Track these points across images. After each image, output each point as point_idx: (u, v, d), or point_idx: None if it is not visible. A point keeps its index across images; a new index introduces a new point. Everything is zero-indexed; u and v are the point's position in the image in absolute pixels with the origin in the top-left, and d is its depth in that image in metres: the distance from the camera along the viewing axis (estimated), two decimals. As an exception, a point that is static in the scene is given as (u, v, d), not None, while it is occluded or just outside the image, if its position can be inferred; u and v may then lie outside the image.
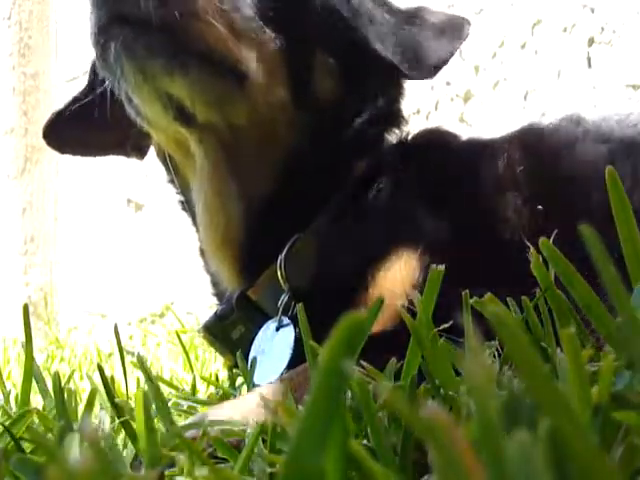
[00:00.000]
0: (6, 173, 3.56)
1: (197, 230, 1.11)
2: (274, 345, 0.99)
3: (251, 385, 0.94)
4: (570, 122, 1.04)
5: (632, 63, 1.82)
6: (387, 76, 1.09)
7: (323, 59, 1.04)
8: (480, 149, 1.07)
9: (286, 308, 1.00)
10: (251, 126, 1.00)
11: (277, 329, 1.00)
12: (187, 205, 1.12)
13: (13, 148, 3.55)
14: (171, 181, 1.14)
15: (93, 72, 1.18)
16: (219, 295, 1.14)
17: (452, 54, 1.05)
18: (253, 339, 1.03)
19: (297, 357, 0.94)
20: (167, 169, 1.12)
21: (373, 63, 1.06)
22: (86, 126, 1.19)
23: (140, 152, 1.26)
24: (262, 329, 1.01)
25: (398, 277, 0.93)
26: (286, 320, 1.00)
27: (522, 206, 0.96)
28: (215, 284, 1.15)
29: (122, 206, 3.16)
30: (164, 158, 1.11)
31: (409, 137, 1.13)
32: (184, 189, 1.10)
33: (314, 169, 1.02)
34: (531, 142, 1.04)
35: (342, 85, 1.05)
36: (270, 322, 1.01)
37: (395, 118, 1.13)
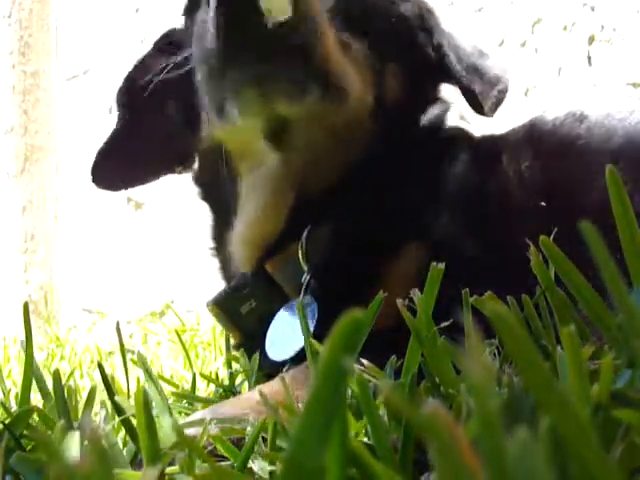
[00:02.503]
0: (6, 171, 3.56)
1: (222, 223, 1.11)
2: (288, 329, 0.99)
3: (252, 379, 0.95)
4: (574, 119, 1.04)
5: (632, 61, 1.82)
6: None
7: (394, 66, 1.06)
8: (492, 148, 1.08)
9: (306, 288, 1.00)
10: (339, 139, 1.01)
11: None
12: (215, 193, 1.13)
13: (13, 147, 3.55)
14: (206, 168, 1.13)
15: (122, 105, 1.19)
16: (229, 279, 1.13)
17: (503, 99, 1.07)
18: (262, 315, 1.03)
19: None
20: (211, 159, 1.09)
21: (440, 77, 1.10)
22: (130, 157, 1.19)
23: (187, 166, 1.24)
24: (282, 308, 1.01)
25: (406, 272, 0.93)
26: (308, 299, 0.99)
27: (531, 204, 0.97)
28: (225, 268, 1.15)
29: (122, 204, 3.16)
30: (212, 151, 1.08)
31: (438, 136, 1.14)
32: (230, 179, 1.08)
33: (378, 168, 1.03)
34: (531, 138, 1.04)
35: (407, 93, 1.07)
36: (291, 302, 1.01)
37: (441, 126, 1.15)
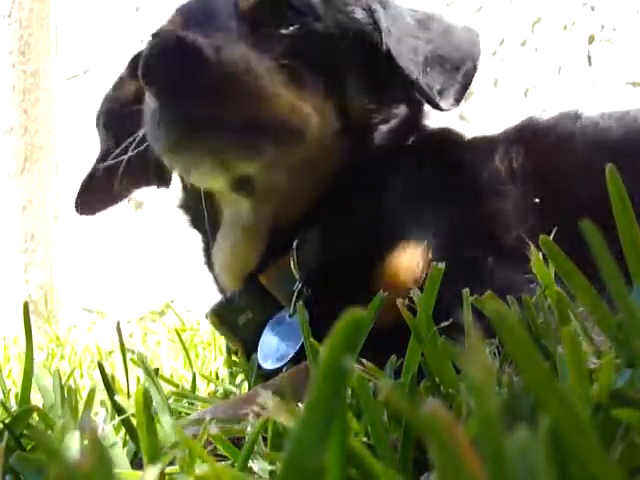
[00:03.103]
0: (6, 171, 3.56)
1: (210, 247, 1.14)
2: (289, 329, 0.99)
3: (252, 378, 0.95)
4: (568, 118, 1.04)
5: (632, 61, 1.82)
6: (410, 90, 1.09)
7: (355, 81, 1.05)
8: (484, 147, 1.07)
9: (298, 295, 1.00)
10: (303, 173, 1.01)
11: (290, 316, 1.01)
12: (198, 223, 1.15)
13: (13, 146, 3.55)
14: (193, 201, 1.15)
15: (102, 126, 1.25)
16: (223, 290, 1.15)
17: (467, 87, 1.06)
18: (259, 325, 1.03)
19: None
20: (192, 194, 1.12)
21: (400, 77, 1.07)
22: (110, 184, 1.20)
23: (166, 182, 1.26)
24: (275, 317, 1.02)
25: (403, 272, 0.93)
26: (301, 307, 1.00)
27: (525, 202, 0.96)
28: (217, 282, 1.17)
29: (122, 204, 3.15)
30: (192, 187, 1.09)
31: (417, 137, 1.13)
32: (209, 212, 1.09)
33: (348, 183, 1.03)
34: (532, 138, 1.04)
35: (371, 100, 1.06)
36: (282, 311, 1.02)
37: (416, 125, 1.14)
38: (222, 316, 1.10)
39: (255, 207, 1.04)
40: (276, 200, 1.03)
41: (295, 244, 1.01)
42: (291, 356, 0.97)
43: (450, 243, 0.95)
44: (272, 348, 1.00)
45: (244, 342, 1.09)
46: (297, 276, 1.01)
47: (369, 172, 1.04)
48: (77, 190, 1.27)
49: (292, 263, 1.01)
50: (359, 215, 1.02)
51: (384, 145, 1.07)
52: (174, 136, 0.89)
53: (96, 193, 1.27)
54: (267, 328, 1.03)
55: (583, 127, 1.01)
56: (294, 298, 1.00)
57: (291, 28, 0.98)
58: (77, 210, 1.28)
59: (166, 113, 0.87)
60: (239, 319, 1.08)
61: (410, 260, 0.94)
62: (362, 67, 1.06)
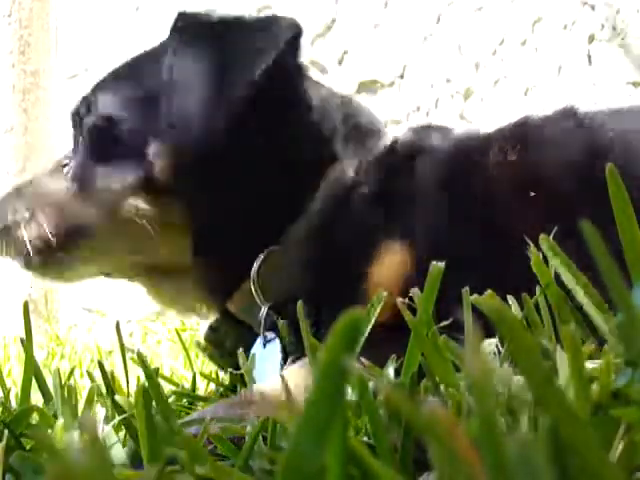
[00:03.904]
0: (6, 170, 3.56)
1: None
2: (265, 361, 0.99)
3: (251, 382, 0.95)
4: (564, 114, 1.03)
5: (632, 60, 1.81)
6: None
7: (153, 147, 1.04)
8: (470, 143, 1.05)
9: (268, 321, 1.01)
10: (134, 248, 1.08)
11: (264, 345, 1.01)
12: None
13: (13, 146, 3.55)
14: None
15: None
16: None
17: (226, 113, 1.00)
18: (244, 349, 1.04)
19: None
20: None
21: None
22: None
23: None
24: (254, 346, 1.02)
25: (389, 272, 0.93)
26: (270, 335, 1.01)
27: (512, 199, 0.95)
28: None
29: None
30: None
31: (392, 141, 1.11)
32: None
33: (241, 225, 1.04)
34: (524, 133, 1.03)
35: (182, 155, 1.04)
36: (258, 339, 1.02)
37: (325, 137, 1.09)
38: (212, 342, 1.12)
39: (142, 283, 1.15)
40: (156, 270, 1.10)
41: (255, 269, 1.01)
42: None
43: (435, 239, 0.94)
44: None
45: (233, 365, 1.09)
46: (259, 302, 1.01)
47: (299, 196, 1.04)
48: None
49: (253, 289, 1.01)
50: (327, 228, 1.01)
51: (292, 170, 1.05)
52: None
53: None
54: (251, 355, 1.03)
55: (579, 122, 1.00)
56: (262, 326, 1.01)
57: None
58: None
59: None
60: (226, 344, 1.10)
61: (395, 263, 0.93)
62: (153, 132, 1.05)
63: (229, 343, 1.09)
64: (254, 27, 1.07)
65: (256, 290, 1.01)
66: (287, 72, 1.05)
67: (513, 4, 2.04)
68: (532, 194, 0.93)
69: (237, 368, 1.05)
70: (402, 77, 2.29)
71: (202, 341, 1.13)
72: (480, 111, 2.09)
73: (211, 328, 1.11)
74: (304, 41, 1.11)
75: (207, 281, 1.07)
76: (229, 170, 1.03)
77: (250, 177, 1.03)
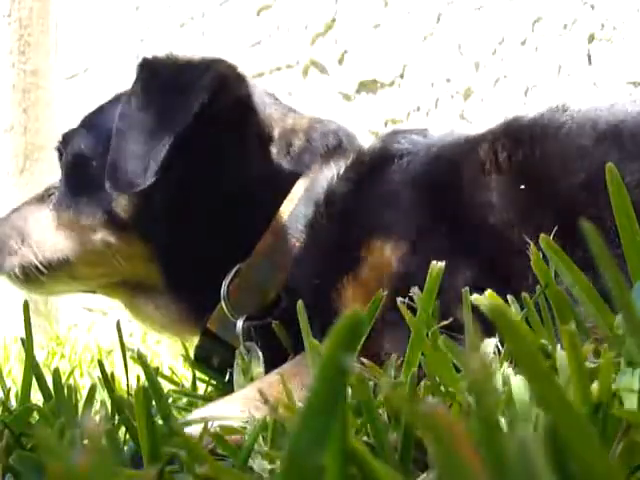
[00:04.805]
0: (6, 170, 3.56)
1: None
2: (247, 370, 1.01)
3: (249, 377, 0.96)
4: (556, 110, 1.02)
5: (632, 60, 1.81)
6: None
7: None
8: (471, 143, 1.05)
9: (246, 333, 1.04)
10: (107, 272, 1.17)
11: (247, 353, 1.03)
12: None
13: (13, 145, 3.55)
14: None
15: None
16: None
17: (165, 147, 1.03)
18: (231, 364, 1.05)
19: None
20: None
21: None
22: None
23: None
24: (235, 358, 1.04)
25: (375, 271, 0.93)
26: (250, 344, 1.04)
27: (501, 192, 0.95)
28: None
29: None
30: None
31: (364, 149, 1.13)
32: None
33: (191, 242, 1.09)
34: (513, 129, 1.02)
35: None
36: (238, 350, 1.04)
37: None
38: (201, 357, 1.14)
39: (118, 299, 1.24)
40: (133, 290, 1.17)
41: (224, 287, 1.05)
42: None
43: (419, 238, 0.94)
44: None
45: (223, 380, 1.12)
46: (232, 318, 1.04)
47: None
48: None
49: (224, 306, 1.05)
50: (302, 237, 1.04)
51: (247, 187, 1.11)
52: None
53: None
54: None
55: (570, 119, 0.99)
56: (241, 338, 1.03)
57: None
58: None
59: None
60: (213, 361, 1.13)
61: (379, 259, 0.94)
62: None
63: (215, 360, 1.12)
64: (191, 71, 1.12)
65: (227, 306, 1.05)
66: (226, 108, 1.10)
67: (513, 3, 2.04)
68: (522, 188, 0.93)
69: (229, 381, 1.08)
70: (402, 77, 2.29)
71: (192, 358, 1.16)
72: (480, 111, 2.09)
73: (197, 347, 1.14)
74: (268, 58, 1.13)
75: (182, 302, 1.12)
76: (179, 205, 1.10)
77: (203, 207, 1.10)
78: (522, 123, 1.01)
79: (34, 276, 1.20)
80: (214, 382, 1.13)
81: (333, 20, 2.44)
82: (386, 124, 2.30)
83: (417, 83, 2.25)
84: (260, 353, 1.01)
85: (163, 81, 1.11)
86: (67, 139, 1.22)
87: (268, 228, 1.06)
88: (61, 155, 1.23)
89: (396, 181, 1.02)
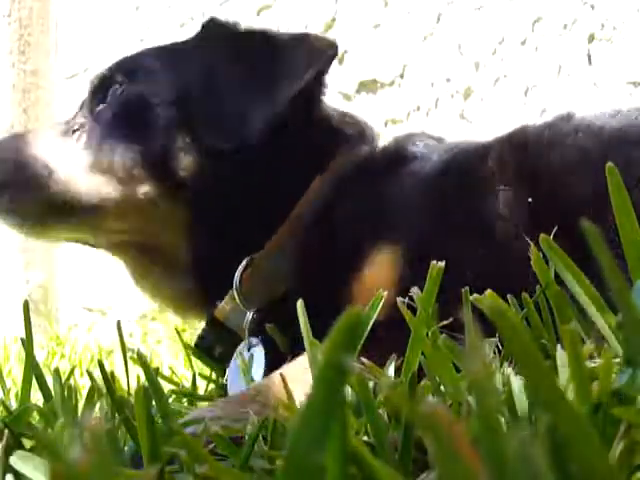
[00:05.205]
0: (6, 170, 3.56)
1: None
2: (250, 363, 1.00)
3: (249, 377, 0.95)
4: (562, 119, 1.03)
5: (632, 60, 1.81)
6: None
7: (180, 142, 1.05)
8: (479, 151, 1.05)
9: (252, 327, 1.02)
10: (136, 229, 1.08)
11: (248, 349, 1.02)
12: None
13: (13, 145, 3.55)
14: None
15: None
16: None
17: (281, 107, 1.01)
18: (230, 357, 1.05)
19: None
20: None
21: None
22: None
23: None
24: (236, 351, 1.03)
25: (382, 271, 0.92)
26: (255, 340, 1.02)
27: (505, 201, 0.95)
28: None
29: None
30: None
31: (379, 148, 1.12)
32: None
33: (223, 225, 1.06)
34: (519, 138, 1.02)
35: (204, 156, 1.05)
36: (241, 345, 1.03)
37: (322, 142, 1.11)
38: (203, 348, 1.13)
39: (121, 258, 1.15)
40: (147, 256, 1.10)
41: (237, 277, 1.02)
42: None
43: (426, 240, 0.94)
44: (237, 384, 1.00)
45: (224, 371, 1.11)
46: (243, 307, 1.02)
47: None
48: None
49: (236, 296, 1.02)
50: (311, 233, 1.02)
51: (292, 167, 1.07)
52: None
53: None
54: (232, 362, 1.04)
55: (576, 127, 0.99)
56: (246, 332, 1.02)
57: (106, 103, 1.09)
58: None
59: None
60: (215, 351, 1.11)
61: (387, 260, 0.93)
62: (185, 128, 1.05)
63: (218, 351, 1.11)
64: (292, 44, 1.09)
65: (239, 296, 1.02)
66: (317, 87, 1.09)
67: (513, 3, 2.04)
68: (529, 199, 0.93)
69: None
70: (402, 77, 2.29)
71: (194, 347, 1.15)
72: (480, 111, 2.09)
73: (199, 337, 1.13)
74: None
75: (198, 280, 1.08)
76: (241, 176, 1.04)
77: (257, 183, 1.05)
78: (529, 131, 1.01)
79: (47, 216, 1.07)
80: (214, 375, 1.12)
81: (333, 20, 2.44)
82: (386, 124, 2.29)
83: (417, 83, 2.25)
84: (262, 352, 1.00)
85: (258, 44, 1.08)
86: (126, 73, 1.10)
87: (287, 219, 1.03)
88: (102, 89, 1.11)
89: (407, 184, 1.02)
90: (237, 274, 1.02)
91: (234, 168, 1.04)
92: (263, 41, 1.09)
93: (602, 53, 1.88)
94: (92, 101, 1.11)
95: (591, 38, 1.90)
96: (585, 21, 1.91)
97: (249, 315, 1.02)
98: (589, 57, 1.91)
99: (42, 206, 1.06)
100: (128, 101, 1.07)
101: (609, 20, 1.87)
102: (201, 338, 1.12)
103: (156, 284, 1.13)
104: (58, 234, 1.13)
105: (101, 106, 1.09)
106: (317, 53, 1.06)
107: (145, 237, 1.08)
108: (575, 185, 0.92)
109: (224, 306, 1.05)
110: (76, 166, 1.07)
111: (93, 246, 1.15)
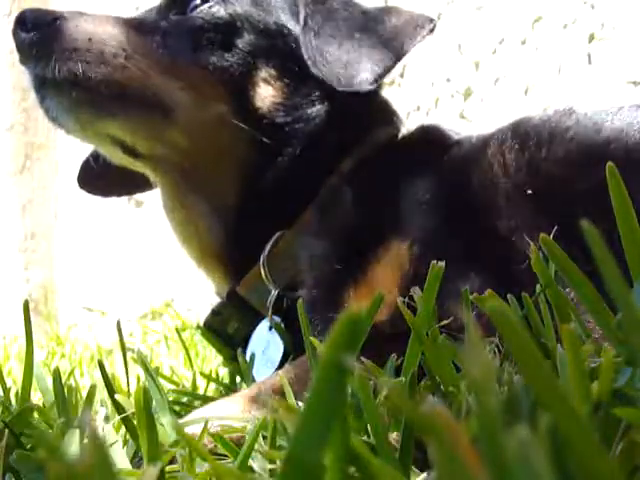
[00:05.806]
0: (6, 170, 3.56)
1: None
2: (268, 345, 0.99)
3: (250, 381, 0.95)
4: (562, 114, 1.02)
5: (632, 59, 1.81)
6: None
7: (264, 72, 1.04)
8: (469, 143, 1.04)
9: (276, 305, 1.00)
10: (194, 149, 1.03)
11: (270, 328, 1.01)
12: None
13: (13, 145, 3.55)
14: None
15: None
16: (219, 293, 1.15)
17: (393, 64, 1.03)
18: (247, 333, 1.04)
19: (288, 356, 0.96)
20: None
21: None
22: (107, 175, 1.25)
23: (147, 189, 1.31)
24: (257, 329, 1.02)
25: (388, 270, 0.92)
26: (277, 319, 1.00)
27: (510, 195, 0.94)
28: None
29: (122, 202, 3.16)
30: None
31: (402, 134, 1.12)
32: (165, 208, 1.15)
33: (278, 175, 1.03)
34: (521, 132, 1.02)
35: (286, 92, 1.04)
36: (264, 322, 1.02)
37: (371, 117, 1.11)
38: (213, 327, 1.11)
39: (165, 181, 1.08)
40: (178, 173, 1.05)
41: (265, 253, 1.01)
42: (278, 363, 0.97)
43: (435, 239, 0.94)
44: (259, 358, 0.99)
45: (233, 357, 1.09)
46: (270, 286, 1.00)
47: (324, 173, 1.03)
48: (81, 163, 1.29)
49: (263, 272, 1.00)
50: (335, 215, 1.01)
51: (333, 139, 1.06)
52: (40, 99, 1.01)
53: (95, 178, 1.29)
54: (252, 339, 1.03)
55: (577, 122, 0.99)
56: (270, 310, 1.00)
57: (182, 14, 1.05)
58: (79, 183, 1.31)
59: (31, 79, 1.01)
60: (228, 328, 1.09)
61: (395, 259, 0.93)
62: (275, 63, 1.05)
63: (232, 327, 1.08)
64: (396, 10, 1.11)
65: (266, 274, 1.00)
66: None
67: (513, 3, 2.04)
68: (529, 192, 0.92)
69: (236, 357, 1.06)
70: (402, 76, 2.29)
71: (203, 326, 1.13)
72: (480, 110, 2.09)
73: (214, 312, 1.10)
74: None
75: (237, 236, 1.05)
76: (316, 127, 1.04)
77: (314, 141, 1.04)
78: (530, 124, 1.01)
79: (114, 101, 0.98)
80: (218, 378, 1.12)
81: (333, 20, 2.43)
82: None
83: (417, 83, 2.25)
84: (279, 338, 0.98)
85: (367, 9, 1.10)
86: None
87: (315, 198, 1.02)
88: None
89: (418, 176, 1.01)
90: (267, 248, 1.00)
91: (303, 118, 1.04)
92: (369, 9, 1.11)
93: (602, 53, 1.88)
94: (168, 7, 1.08)
95: (591, 38, 1.90)
96: (585, 21, 1.91)
97: (274, 293, 1.00)
98: (589, 56, 1.91)
99: (114, 85, 0.97)
100: (222, 24, 1.04)
101: (609, 20, 1.87)
102: (215, 314, 1.09)
103: (188, 219, 1.09)
104: (106, 128, 1.03)
105: (179, 16, 1.06)
106: (421, 23, 1.07)
107: (198, 161, 1.04)
108: (576, 179, 0.91)
109: (249, 279, 1.03)
110: (152, 60, 1.01)
111: (133, 154, 1.06)
